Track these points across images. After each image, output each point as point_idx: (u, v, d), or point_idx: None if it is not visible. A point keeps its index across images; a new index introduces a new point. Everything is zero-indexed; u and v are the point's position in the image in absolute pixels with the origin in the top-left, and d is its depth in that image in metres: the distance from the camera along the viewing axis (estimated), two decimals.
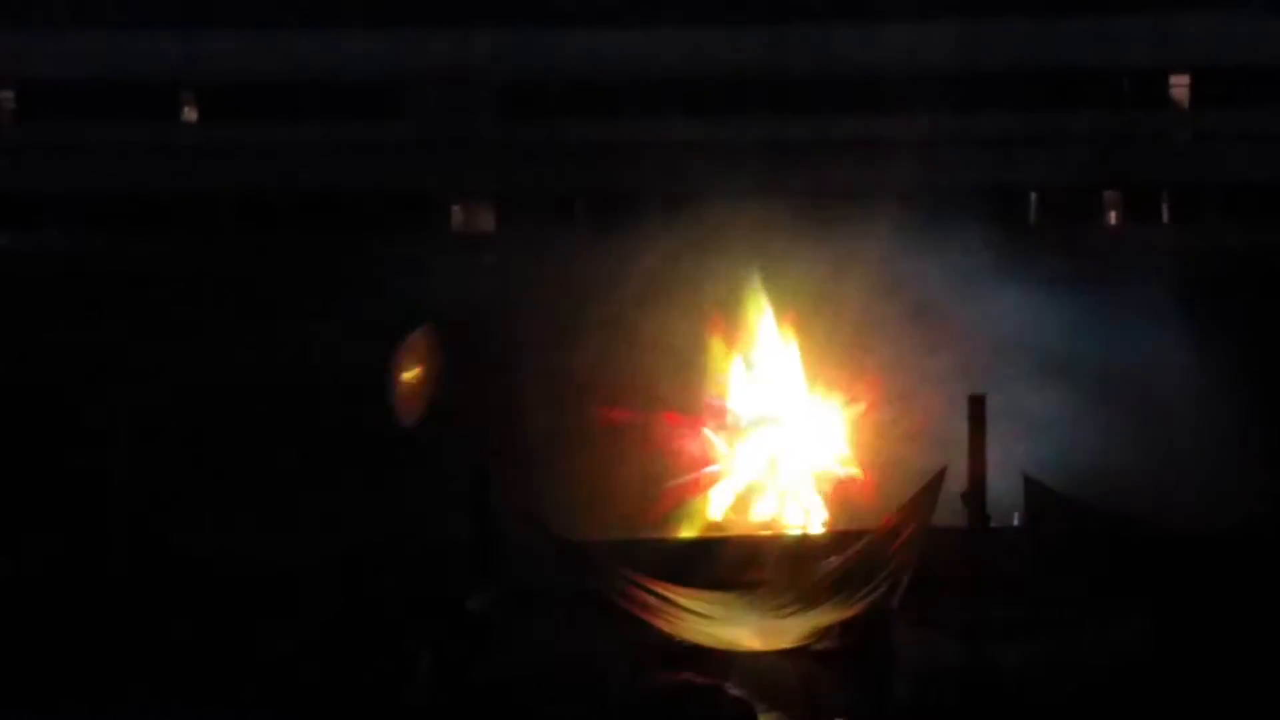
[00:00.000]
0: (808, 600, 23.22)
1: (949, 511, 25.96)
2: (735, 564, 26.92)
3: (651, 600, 23.47)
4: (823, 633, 23.00)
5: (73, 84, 49.55)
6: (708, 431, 31.58)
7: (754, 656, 22.75)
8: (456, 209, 51.47)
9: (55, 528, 30.27)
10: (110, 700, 20.84)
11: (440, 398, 26.21)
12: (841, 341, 32.61)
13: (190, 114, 51.10)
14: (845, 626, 22.86)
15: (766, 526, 30.03)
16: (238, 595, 24.99)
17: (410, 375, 26.01)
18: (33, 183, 49.45)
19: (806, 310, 32.21)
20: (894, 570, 23.20)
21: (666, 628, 24.04)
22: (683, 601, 23.46)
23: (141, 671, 21.91)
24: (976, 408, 25.91)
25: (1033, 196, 49.66)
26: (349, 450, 33.07)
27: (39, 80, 50.22)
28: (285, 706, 20.06)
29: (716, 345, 32.46)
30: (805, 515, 30.62)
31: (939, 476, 23.91)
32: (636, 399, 32.35)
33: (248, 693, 20.65)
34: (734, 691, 20.21)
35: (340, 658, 21.86)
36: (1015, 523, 26.44)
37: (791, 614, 23.09)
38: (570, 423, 31.90)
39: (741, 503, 31.12)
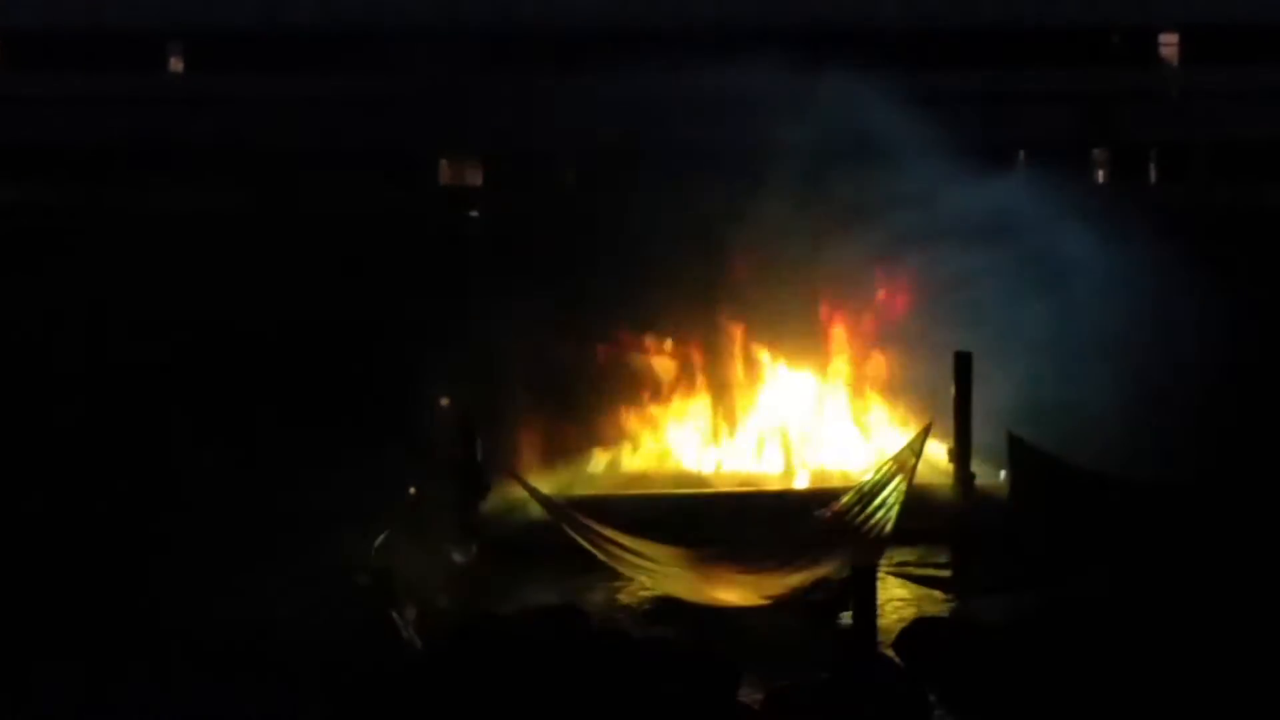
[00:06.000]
0: (791, 556, 23.24)
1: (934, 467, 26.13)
2: (719, 520, 26.95)
3: (633, 557, 23.50)
4: (806, 588, 23.01)
5: (57, 34, 49.33)
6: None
7: (737, 612, 22.76)
8: (443, 163, 51.30)
9: (44, 480, 30.32)
10: (99, 655, 20.86)
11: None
12: (827, 296, 32.62)
13: (175, 65, 50.89)
14: (828, 582, 22.88)
15: (750, 482, 30.05)
16: (220, 550, 25.01)
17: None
18: (16, 132, 49.21)
19: (795, 265, 32.20)
20: (878, 525, 23.22)
21: (649, 583, 24.10)
22: (666, 558, 23.49)
23: (127, 626, 21.92)
24: (962, 365, 25.91)
25: (1021, 154, 49.49)
26: (336, 409, 33.08)
27: (23, 30, 49.96)
28: (270, 660, 20.07)
29: (707, 304, 32.50)
30: (790, 471, 30.66)
31: (924, 431, 23.93)
32: (623, 352, 32.37)
33: (232, 646, 20.65)
34: (716, 647, 20.18)
35: (325, 611, 21.86)
36: (1000, 478, 26.48)
37: (775, 570, 23.11)
38: (557, 379, 31.86)
39: (726, 458, 31.16)
